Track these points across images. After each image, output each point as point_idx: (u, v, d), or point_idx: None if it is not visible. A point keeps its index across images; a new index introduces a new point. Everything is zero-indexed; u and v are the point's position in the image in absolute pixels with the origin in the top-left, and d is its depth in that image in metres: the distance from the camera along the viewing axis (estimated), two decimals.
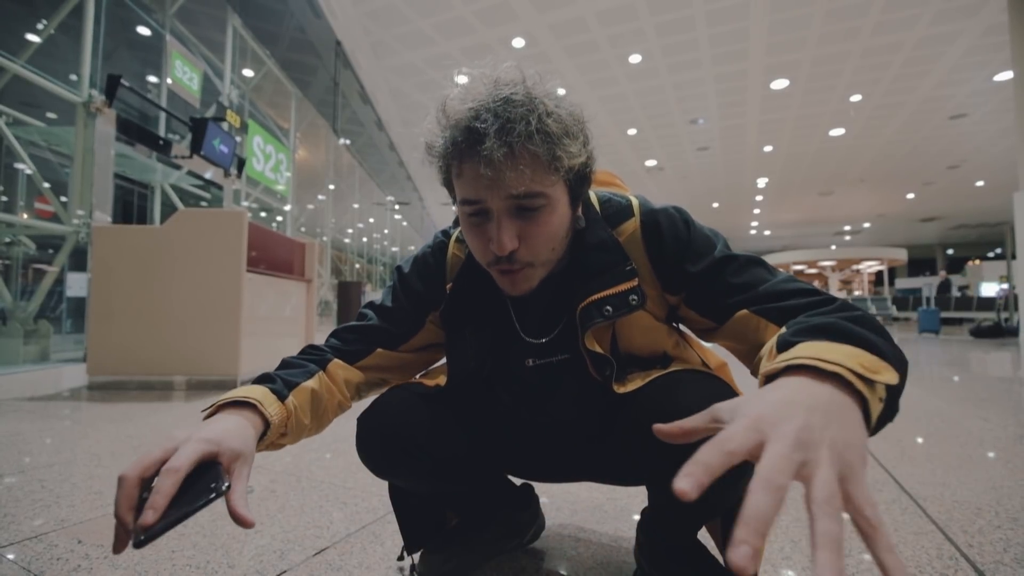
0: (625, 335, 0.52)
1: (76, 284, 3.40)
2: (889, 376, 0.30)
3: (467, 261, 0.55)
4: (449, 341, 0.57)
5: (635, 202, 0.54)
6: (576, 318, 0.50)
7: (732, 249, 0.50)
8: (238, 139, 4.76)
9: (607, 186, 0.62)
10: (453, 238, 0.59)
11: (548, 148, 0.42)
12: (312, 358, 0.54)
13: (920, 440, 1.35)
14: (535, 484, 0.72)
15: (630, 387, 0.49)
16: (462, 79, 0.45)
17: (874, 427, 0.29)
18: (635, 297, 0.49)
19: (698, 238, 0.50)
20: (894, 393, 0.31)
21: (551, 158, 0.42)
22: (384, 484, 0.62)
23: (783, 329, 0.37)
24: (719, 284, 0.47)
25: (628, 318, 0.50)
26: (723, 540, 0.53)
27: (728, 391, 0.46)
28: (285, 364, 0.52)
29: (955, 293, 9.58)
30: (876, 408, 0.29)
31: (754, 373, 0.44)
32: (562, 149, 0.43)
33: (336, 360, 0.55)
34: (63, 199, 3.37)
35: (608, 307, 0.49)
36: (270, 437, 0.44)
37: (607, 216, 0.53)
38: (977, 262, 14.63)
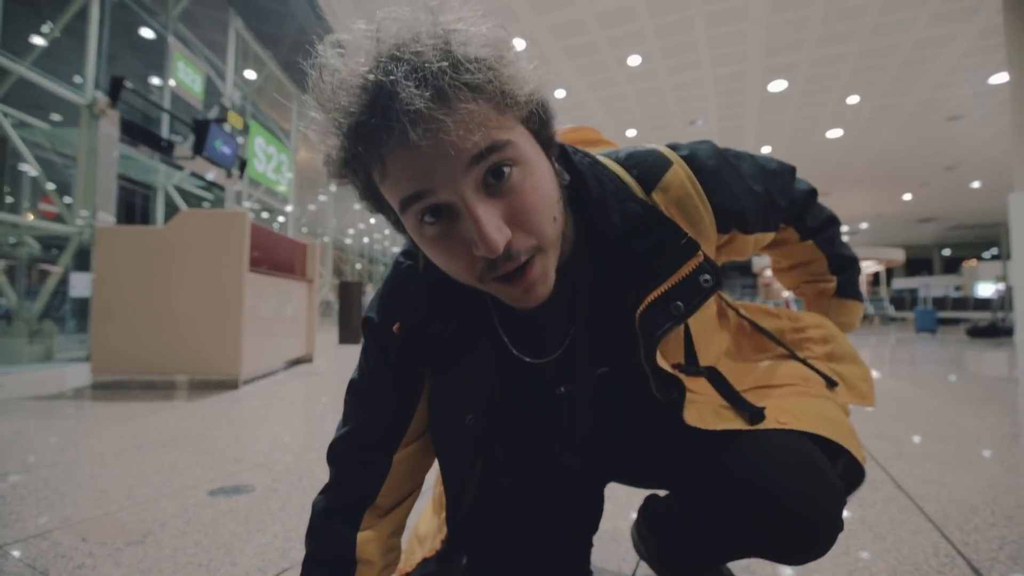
0: (695, 333, 0.41)
1: (80, 284, 3.41)
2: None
3: (422, 283, 0.41)
4: (431, 414, 0.44)
5: (659, 147, 0.41)
6: (637, 331, 0.37)
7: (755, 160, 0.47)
8: (240, 140, 4.77)
9: (595, 144, 0.48)
10: (423, 255, 0.43)
11: (490, 74, 0.29)
12: (334, 553, 0.43)
13: (917, 439, 1.36)
14: None
15: (704, 423, 0.37)
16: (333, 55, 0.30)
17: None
18: (707, 277, 0.36)
19: (744, 165, 0.45)
20: None
21: (499, 87, 0.29)
22: None
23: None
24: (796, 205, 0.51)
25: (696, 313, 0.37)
26: None
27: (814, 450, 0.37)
28: None
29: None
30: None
31: (788, 284, 0.62)
32: (511, 70, 0.29)
33: (361, 534, 0.43)
34: (67, 200, 3.39)
35: (678, 302, 0.36)
36: None
37: (639, 176, 0.39)
38: (974, 262, 14.66)
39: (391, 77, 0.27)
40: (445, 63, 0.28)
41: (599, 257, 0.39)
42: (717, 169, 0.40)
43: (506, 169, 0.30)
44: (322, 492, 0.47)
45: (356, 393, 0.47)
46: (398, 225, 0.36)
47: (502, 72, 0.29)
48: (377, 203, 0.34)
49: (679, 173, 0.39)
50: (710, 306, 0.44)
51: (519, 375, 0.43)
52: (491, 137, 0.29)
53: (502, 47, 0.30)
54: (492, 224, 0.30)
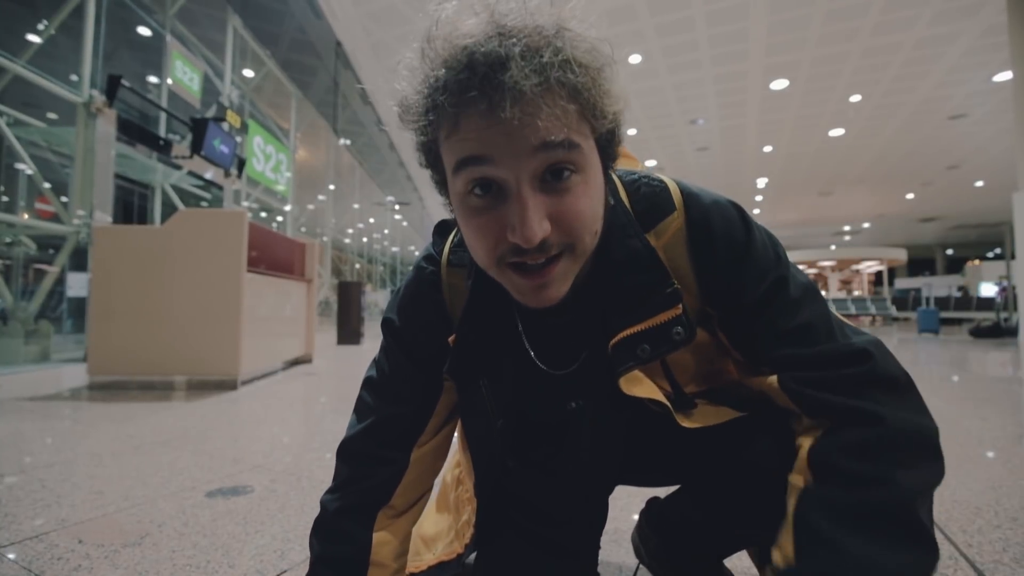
0: (678, 360, 0.41)
1: (76, 284, 3.41)
2: None
3: (473, 293, 0.42)
4: (464, 417, 0.46)
5: (673, 186, 0.40)
6: (607, 356, 0.39)
7: (787, 268, 0.38)
8: (238, 139, 4.77)
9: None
10: (445, 262, 0.45)
11: (591, 83, 0.30)
12: (347, 554, 0.43)
13: None
14: None
15: (699, 421, 0.39)
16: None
17: None
18: (680, 330, 0.37)
19: (757, 249, 0.38)
20: None
21: (594, 98, 0.31)
22: None
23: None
24: (764, 319, 0.37)
25: None
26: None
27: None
28: None
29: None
30: None
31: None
32: (608, 85, 0.31)
33: (377, 535, 0.43)
34: (64, 199, 3.38)
35: (645, 345, 0.37)
36: None
37: (640, 212, 0.39)
38: (977, 262, 14.69)
39: (506, 51, 0.28)
40: (557, 58, 0.29)
41: (599, 287, 0.40)
42: (723, 235, 0.38)
43: (567, 172, 0.31)
44: (333, 490, 0.46)
45: (375, 389, 0.47)
46: (441, 185, 0.36)
47: (601, 85, 0.31)
48: (431, 157, 0.35)
49: (677, 222, 0.39)
50: (712, 347, 0.42)
51: (536, 384, 0.44)
52: (570, 136, 0.30)
53: (606, 60, 0.31)
54: (536, 216, 0.30)
